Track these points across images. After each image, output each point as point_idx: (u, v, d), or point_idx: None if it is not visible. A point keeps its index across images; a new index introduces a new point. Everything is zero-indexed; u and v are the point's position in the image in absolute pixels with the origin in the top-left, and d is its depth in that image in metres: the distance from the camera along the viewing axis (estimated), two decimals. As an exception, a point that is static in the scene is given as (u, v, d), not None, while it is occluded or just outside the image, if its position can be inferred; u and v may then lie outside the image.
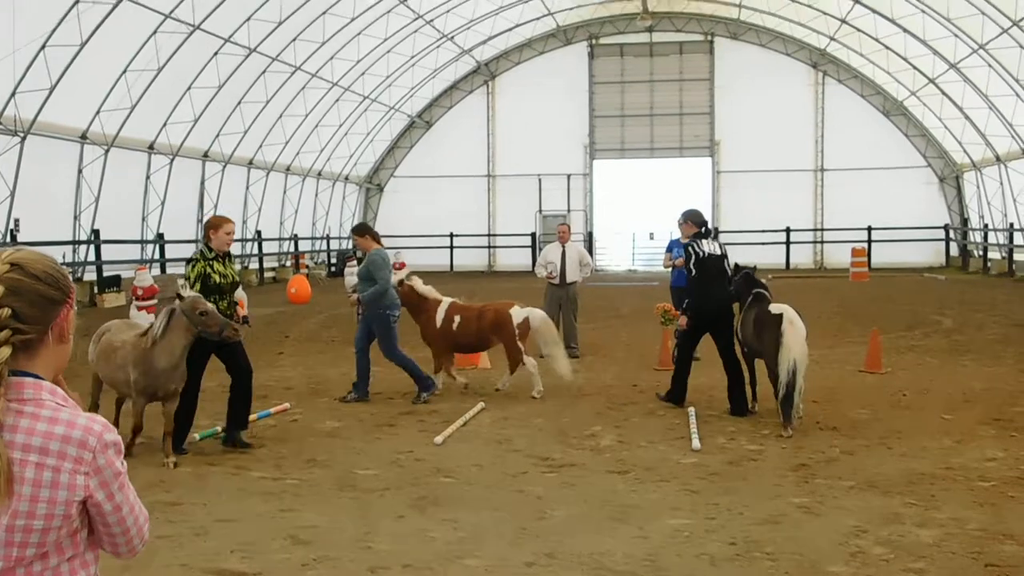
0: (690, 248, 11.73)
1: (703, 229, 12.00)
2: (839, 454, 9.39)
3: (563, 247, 16.68)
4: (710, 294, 11.46)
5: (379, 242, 12.44)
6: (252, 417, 11.24)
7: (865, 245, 42.78)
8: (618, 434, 10.40)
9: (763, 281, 11.87)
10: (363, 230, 12.60)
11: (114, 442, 2.54)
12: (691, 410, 11.30)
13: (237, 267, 11.17)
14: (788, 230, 45.49)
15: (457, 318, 12.92)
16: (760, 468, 8.88)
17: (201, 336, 9.14)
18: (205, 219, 10.70)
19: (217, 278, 9.91)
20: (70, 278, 2.64)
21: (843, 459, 9.20)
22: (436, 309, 13.01)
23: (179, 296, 9.21)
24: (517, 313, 12.78)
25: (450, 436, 10.27)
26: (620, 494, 8.07)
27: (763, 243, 45.09)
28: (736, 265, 11.90)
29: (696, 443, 9.73)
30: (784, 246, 45.68)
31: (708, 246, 11.66)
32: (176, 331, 9.10)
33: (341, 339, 19.72)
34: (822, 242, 46.56)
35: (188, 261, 10.17)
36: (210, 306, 9.21)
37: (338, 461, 9.25)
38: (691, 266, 11.58)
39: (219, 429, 10.46)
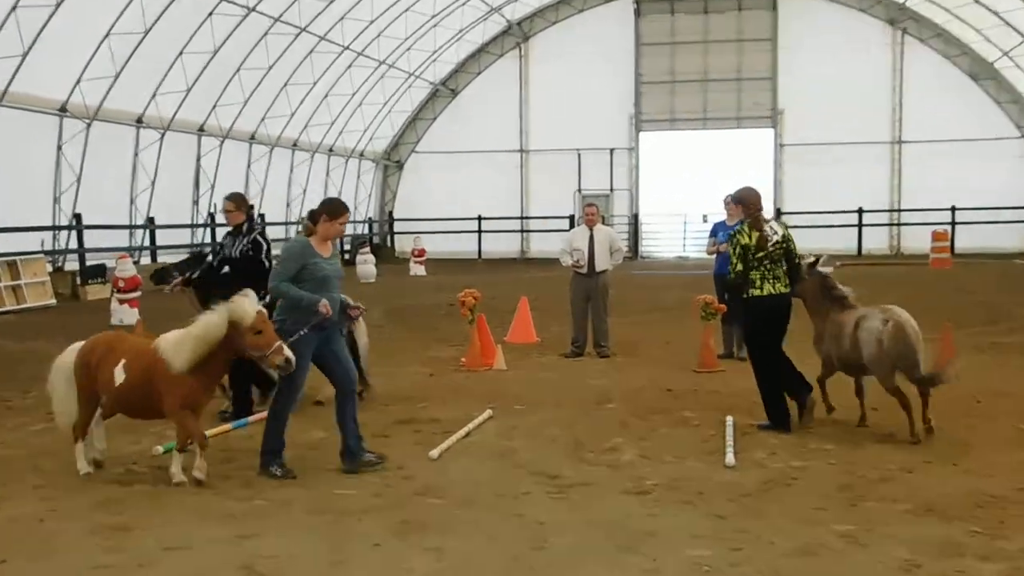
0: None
1: None
2: (895, 471, 9.08)
3: (591, 231, 16.41)
4: None
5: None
6: (226, 427, 11.12)
7: (948, 228, 42.13)
8: (641, 448, 10.13)
9: None
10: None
11: None
12: (729, 420, 11.01)
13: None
14: (860, 211, 44.94)
15: None
16: (800, 488, 8.58)
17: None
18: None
19: None
20: None
21: (899, 477, 8.89)
22: None
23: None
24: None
25: (448, 449, 10.04)
26: (635, 518, 7.81)
27: (831, 225, 44.60)
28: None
29: (730, 458, 9.44)
30: (856, 229, 45.15)
31: None
32: None
33: (343, 336, 19.54)
34: (899, 224, 46.00)
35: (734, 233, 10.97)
36: None
37: (316, 478, 9.06)
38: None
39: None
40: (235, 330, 8.74)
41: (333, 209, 9.43)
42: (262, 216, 38.80)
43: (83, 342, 9.45)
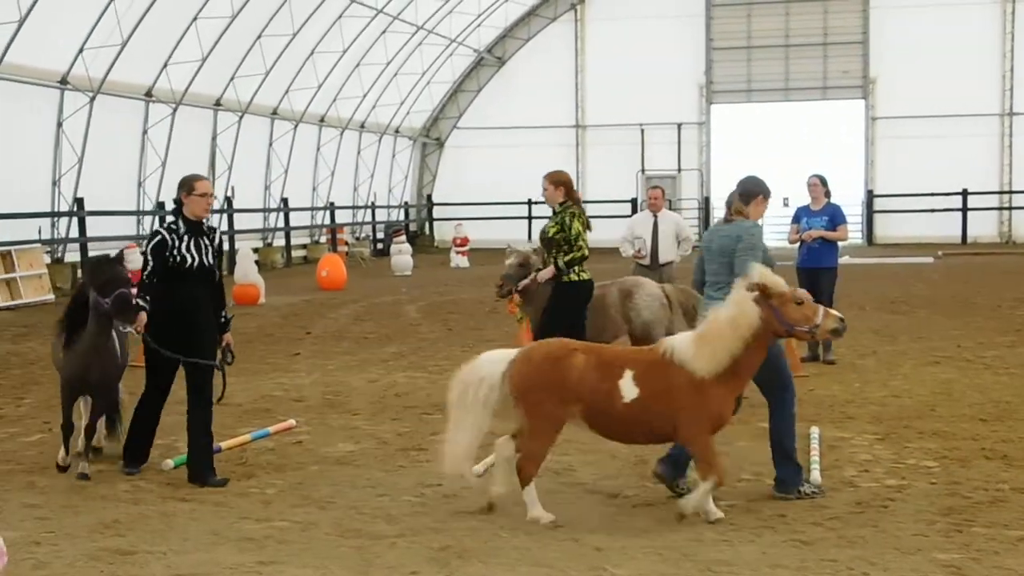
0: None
1: None
2: (1008, 492, 8.96)
3: (655, 217, 16.39)
4: None
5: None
6: (246, 437, 11.17)
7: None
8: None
9: None
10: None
11: None
12: (814, 431, 10.88)
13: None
14: (965, 193, 44.53)
15: None
16: (898, 511, 8.48)
17: None
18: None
19: None
20: None
21: (1013, 499, 8.77)
22: None
23: None
24: None
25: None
26: (707, 545, 7.74)
27: (932, 210, 44.21)
28: None
29: (816, 476, 9.34)
30: (960, 213, 44.75)
31: None
32: None
33: (376, 336, 19.67)
34: (1010, 208, 45.49)
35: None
36: None
37: (344, 498, 9.07)
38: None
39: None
40: (770, 309, 8.30)
41: (768, 188, 9.84)
42: (285, 200, 39.07)
43: (507, 351, 8.70)
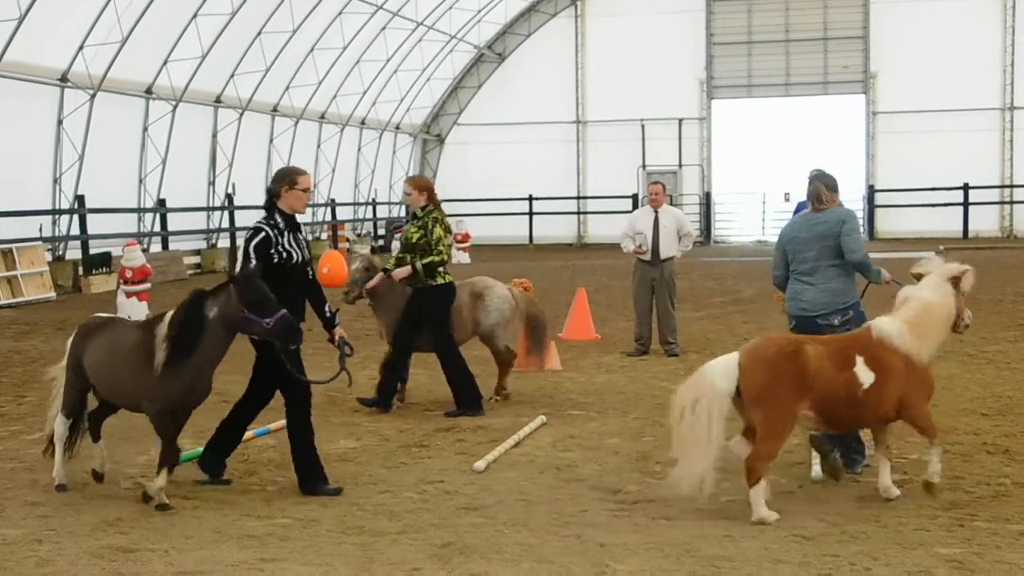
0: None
1: None
2: (1010, 486, 8.96)
3: (656, 213, 16.38)
4: None
5: None
6: (248, 435, 11.15)
7: (1068, 206, 41.66)
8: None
9: None
10: None
11: None
12: (816, 427, 10.88)
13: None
14: (966, 187, 44.50)
15: None
16: (900, 506, 8.48)
17: None
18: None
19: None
20: None
21: (1015, 493, 8.77)
22: None
23: None
24: None
25: (496, 461, 10.03)
26: (708, 541, 7.74)
27: (933, 204, 44.22)
28: None
29: (817, 471, 9.35)
30: (961, 208, 44.68)
31: None
32: None
33: (377, 332, 19.58)
34: (1011, 202, 45.46)
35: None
36: None
37: (346, 494, 9.08)
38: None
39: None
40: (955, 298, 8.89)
41: None
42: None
43: (729, 357, 8.48)
